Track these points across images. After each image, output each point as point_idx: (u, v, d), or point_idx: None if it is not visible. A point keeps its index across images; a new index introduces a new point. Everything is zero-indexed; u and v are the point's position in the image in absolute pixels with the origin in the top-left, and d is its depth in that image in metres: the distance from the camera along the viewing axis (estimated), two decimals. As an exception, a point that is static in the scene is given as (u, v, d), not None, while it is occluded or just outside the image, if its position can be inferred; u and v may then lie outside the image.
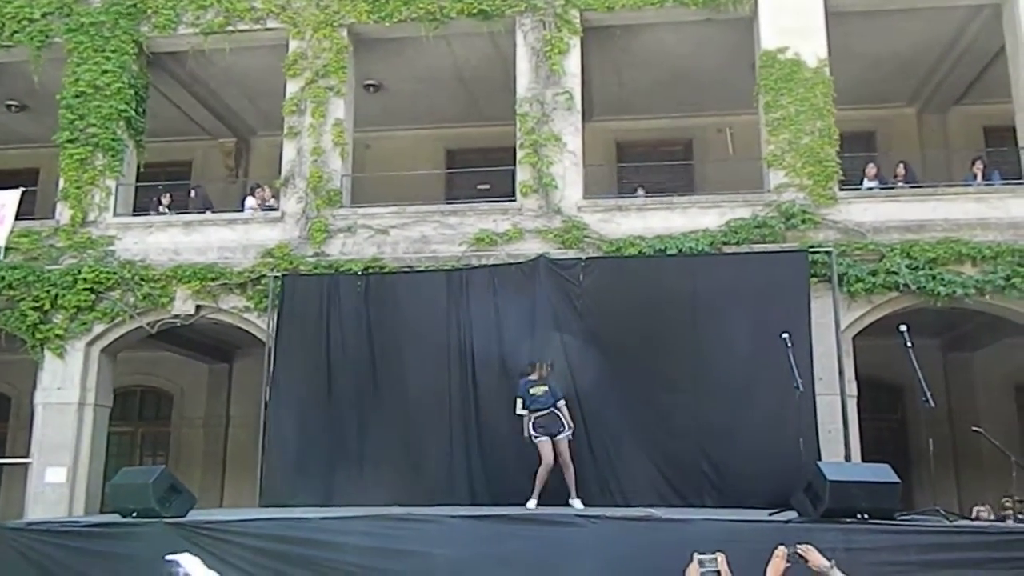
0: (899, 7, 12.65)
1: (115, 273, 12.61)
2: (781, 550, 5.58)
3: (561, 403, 9.77)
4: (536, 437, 9.62)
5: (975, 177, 12.40)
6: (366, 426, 11.33)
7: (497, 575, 7.37)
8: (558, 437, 9.62)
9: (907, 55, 14.00)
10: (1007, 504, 10.79)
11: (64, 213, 13.11)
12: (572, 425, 9.76)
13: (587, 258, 11.61)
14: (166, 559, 3.54)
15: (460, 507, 9.46)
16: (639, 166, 15.72)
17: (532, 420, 9.69)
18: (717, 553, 5.60)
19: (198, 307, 12.60)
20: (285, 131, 13.06)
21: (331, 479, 11.10)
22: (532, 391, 9.75)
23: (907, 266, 11.23)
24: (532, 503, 9.39)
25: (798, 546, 5.59)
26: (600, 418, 10.72)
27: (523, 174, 12.42)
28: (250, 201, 13.50)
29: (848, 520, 7.12)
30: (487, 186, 14.67)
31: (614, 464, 10.61)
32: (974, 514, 10.95)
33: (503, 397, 10.62)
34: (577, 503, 9.47)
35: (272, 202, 13.36)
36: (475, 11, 12.78)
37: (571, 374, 10.62)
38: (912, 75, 14.74)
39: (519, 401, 9.82)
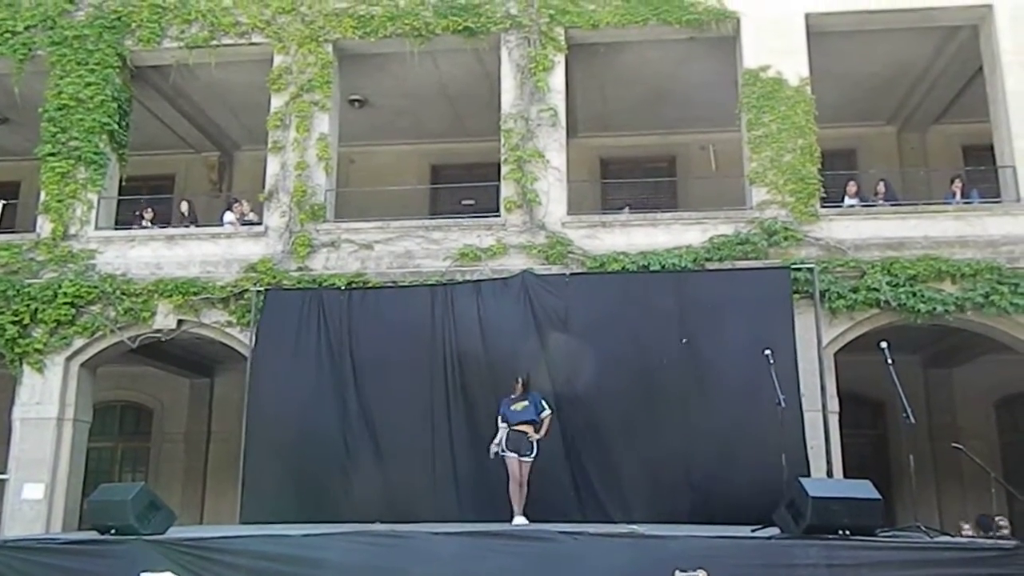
0: (879, 27, 12.82)
1: (96, 287, 12.51)
2: None
3: (545, 414, 9.80)
4: (503, 452, 9.67)
5: (954, 195, 12.53)
6: (349, 442, 11.27)
7: (479, 592, 7.33)
8: (521, 458, 9.62)
9: (887, 75, 14.18)
10: (965, 527, 10.79)
11: (45, 226, 13.01)
12: (537, 451, 9.68)
13: (571, 274, 11.65)
14: (140, 575, 3.49)
15: (444, 523, 9.41)
16: (623, 182, 15.82)
17: (506, 434, 9.72)
18: (699, 570, 5.59)
19: (180, 322, 12.52)
20: (269, 145, 13.04)
21: (313, 495, 11.02)
22: (513, 408, 9.78)
23: (888, 283, 11.33)
24: (520, 520, 9.39)
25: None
26: (583, 434, 10.74)
27: (507, 190, 12.46)
28: (229, 215, 13.45)
29: (830, 536, 7.13)
30: (471, 201, 14.69)
31: (597, 479, 10.62)
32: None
33: (487, 412, 10.60)
34: (522, 520, 9.45)
35: (251, 216, 13.32)
36: (460, 28, 12.84)
37: (555, 389, 10.63)
38: (892, 94, 14.92)
39: (499, 418, 9.83)
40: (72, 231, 12.95)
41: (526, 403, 9.76)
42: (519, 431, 9.69)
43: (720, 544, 7.33)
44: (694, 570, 5.65)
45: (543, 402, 9.87)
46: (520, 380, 9.91)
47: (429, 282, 11.88)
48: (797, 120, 12.16)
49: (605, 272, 11.74)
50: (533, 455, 9.67)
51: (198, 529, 10.70)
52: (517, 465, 9.57)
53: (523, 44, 12.82)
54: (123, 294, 12.49)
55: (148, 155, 15.71)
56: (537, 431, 9.72)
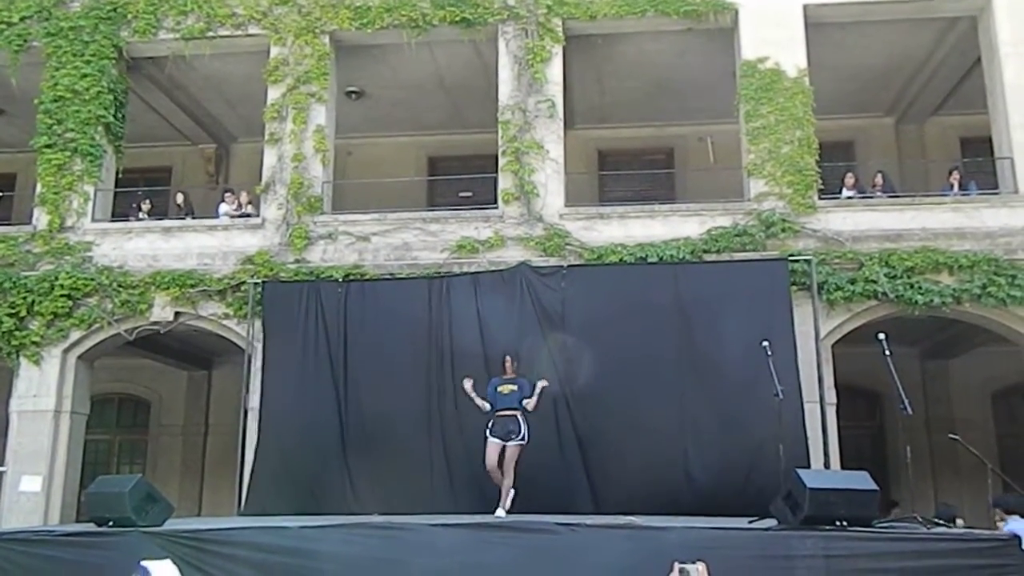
0: (878, 19, 12.79)
1: (93, 279, 12.48)
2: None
3: (541, 384, 9.48)
4: (487, 437, 9.45)
5: (952, 187, 12.52)
6: (347, 434, 11.29)
7: (477, 583, 7.34)
8: (509, 443, 9.36)
9: (885, 66, 14.16)
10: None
11: (41, 218, 12.97)
12: (527, 435, 9.41)
13: (568, 266, 11.65)
14: (139, 564, 3.49)
15: (442, 515, 9.41)
16: (621, 174, 15.80)
17: (492, 420, 9.51)
18: (698, 563, 5.57)
19: (177, 314, 12.49)
20: (266, 137, 13.00)
21: (312, 487, 11.04)
22: (499, 390, 9.56)
23: (885, 275, 11.33)
24: (501, 512, 9.17)
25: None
26: (581, 425, 10.75)
27: (505, 182, 12.44)
28: (223, 207, 13.41)
29: (827, 527, 7.13)
30: (469, 193, 14.67)
31: (595, 471, 10.63)
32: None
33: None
34: (501, 512, 9.12)
35: (249, 208, 13.29)
36: (457, 19, 12.79)
37: (551, 381, 10.61)
38: (890, 86, 14.91)
39: (485, 402, 9.58)
40: (68, 223, 12.92)
41: (514, 387, 9.51)
42: (505, 416, 9.44)
43: (718, 535, 7.34)
44: (692, 561, 5.61)
45: (528, 390, 9.51)
46: (510, 359, 9.65)
47: (426, 274, 11.87)
48: (795, 112, 12.14)
49: (603, 264, 11.73)
50: (522, 439, 9.36)
51: (196, 521, 10.70)
52: (496, 451, 9.32)
53: (521, 35, 12.78)
54: (120, 286, 12.46)
55: (145, 147, 15.68)
56: (528, 408, 9.41)
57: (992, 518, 9.83)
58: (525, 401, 9.43)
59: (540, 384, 9.52)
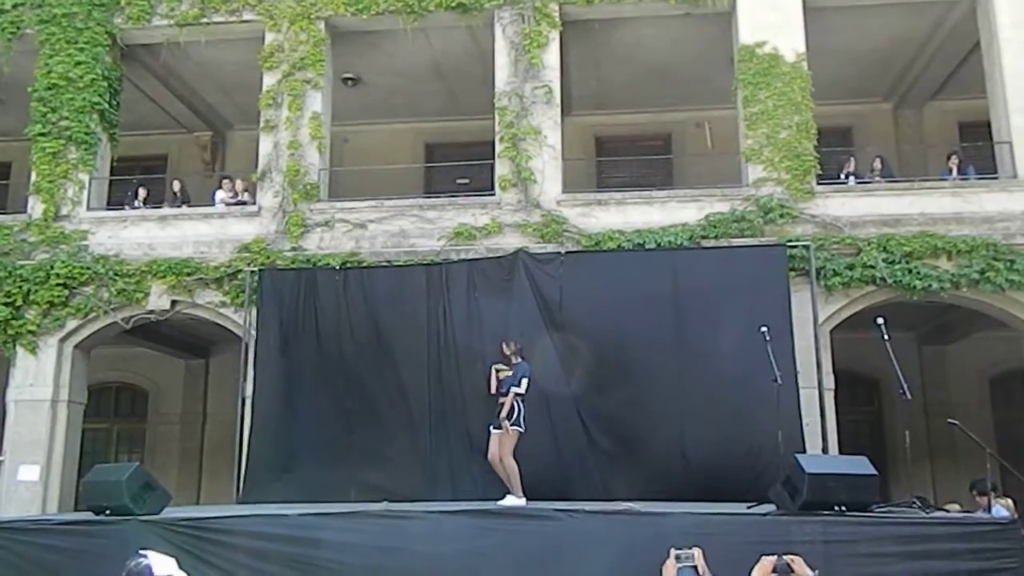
0: (876, 3, 12.72)
1: (89, 268, 12.44)
2: (767, 560, 5.40)
3: (519, 387, 9.11)
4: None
5: (950, 172, 12.49)
6: (345, 422, 11.28)
7: (476, 570, 7.34)
8: (494, 431, 9.16)
9: (883, 51, 14.10)
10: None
11: (36, 207, 12.92)
12: (508, 421, 8.98)
13: (566, 252, 11.61)
14: (138, 552, 3.48)
15: (441, 502, 9.41)
16: (618, 160, 15.74)
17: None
18: (694, 548, 5.57)
19: (173, 302, 12.47)
20: (262, 125, 12.93)
21: (310, 475, 11.02)
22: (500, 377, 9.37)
23: (884, 260, 11.30)
24: (510, 500, 9.01)
25: (785, 556, 5.45)
26: (579, 412, 10.73)
27: (502, 168, 12.38)
28: (220, 194, 13.35)
29: (826, 512, 7.14)
30: (466, 180, 14.62)
31: (593, 457, 10.62)
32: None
33: (482, 391, 10.57)
34: (509, 500, 8.88)
35: (245, 196, 13.23)
36: (453, 4, 12.70)
37: (550, 368, 10.59)
38: (888, 71, 14.85)
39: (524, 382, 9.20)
40: (64, 212, 12.86)
41: (509, 372, 9.27)
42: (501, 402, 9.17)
43: (716, 521, 7.35)
44: (689, 547, 5.60)
45: (522, 380, 9.16)
46: (506, 344, 9.37)
47: (424, 261, 11.83)
48: (793, 96, 12.07)
49: (600, 250, 11.69)
50: (512, 426, 8.99)
51: (194, 509, 10.70)
52: (496, 440, 9.13)
53: (517, 21, 12.70)
54: (116, 275, 12.42)
55: (140, 135, 15.61)
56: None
57: (976, 500, 9.81)
58: (512, 388, 9.14)
59: (514, 390, 9.11)
